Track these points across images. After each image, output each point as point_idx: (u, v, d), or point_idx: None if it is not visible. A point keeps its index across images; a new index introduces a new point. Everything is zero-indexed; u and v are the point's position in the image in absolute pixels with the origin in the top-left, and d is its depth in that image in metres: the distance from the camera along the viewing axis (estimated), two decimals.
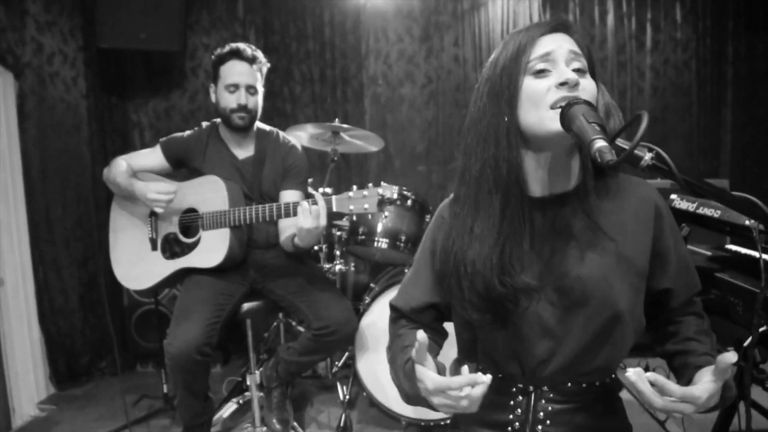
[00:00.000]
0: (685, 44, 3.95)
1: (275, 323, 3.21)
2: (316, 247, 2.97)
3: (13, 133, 3.02)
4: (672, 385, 0.94)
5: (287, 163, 2.40)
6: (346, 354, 3.07)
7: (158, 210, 2.22)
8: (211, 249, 2.21)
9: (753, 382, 1.64)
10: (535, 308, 1.10)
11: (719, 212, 2.20)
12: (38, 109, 3.13)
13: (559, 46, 1.04)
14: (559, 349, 1.10)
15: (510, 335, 1.12)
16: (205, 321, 2.08)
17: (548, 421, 1.14)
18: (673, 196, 2.48)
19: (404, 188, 2.67)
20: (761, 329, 1.66)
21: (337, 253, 2.88)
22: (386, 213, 2.50)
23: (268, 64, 2.42)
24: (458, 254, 1.12)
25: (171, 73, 3.84)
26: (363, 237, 2.62)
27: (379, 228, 2.61)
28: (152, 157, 2.38)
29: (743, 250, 2.04)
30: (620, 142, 0.94)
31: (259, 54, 2.37)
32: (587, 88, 1.03)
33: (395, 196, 2.41)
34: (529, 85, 1.04)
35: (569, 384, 1.13)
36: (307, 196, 2.44)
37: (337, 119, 2.82)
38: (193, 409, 2.21)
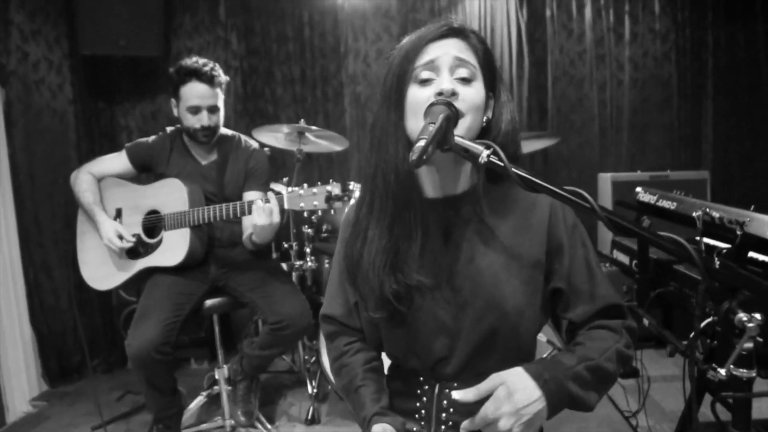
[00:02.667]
0: (664, 35, 3.95)
1: (254, 318, 3.29)
2: (286, 245, 3.05)
3: (0, 140, 3.12)
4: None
5: (249, 166, 2.48)
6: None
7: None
8: (173, 248, 2.29)
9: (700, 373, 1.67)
10: (430, 306, 1.13)
11: (675, 204, 2.23)
12: (25, 116, 3.23)
13: (444, 53, 1.06)
14: (456, 346, 1.14)
15: (408, 332, 1.16)
16: (163, 321, 2.17)
17: (451, 409, 1.18)
18: (638, 189, 2.51)
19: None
20: (707, 320, 1.69)
21: (308, 250, 2.94)
22: (335, 210, 2.56)
23: (227, 78, 2.44)
24: (356, 254, 1.17)
25: (157, 77, 3.92)
26: (326, 234, 2.69)
27: None
28: (118, 162, 2.47)
29: (711, 242, 2.06)
30: (470, 143, 0.98)
31: (218, 71, 2.37)
32: (467, 97, 1.05)
33: (358, 193, 2.46)
34: (413, 93, 1.07)
35: (473, 377, 1.16)
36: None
37: (302, 120, 2.89)
38: (159, 403, 2.30)
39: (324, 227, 2.70)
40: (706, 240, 2.07)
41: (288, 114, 4.00)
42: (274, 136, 3.05)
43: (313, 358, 3.11)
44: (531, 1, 3.93)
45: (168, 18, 3.73)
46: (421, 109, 1.05)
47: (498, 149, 0.94)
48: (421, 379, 1.21)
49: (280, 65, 3.99)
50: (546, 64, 3.97)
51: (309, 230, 2.89)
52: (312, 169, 3.93)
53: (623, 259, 2.75)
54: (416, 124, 1.06)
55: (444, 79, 1.05)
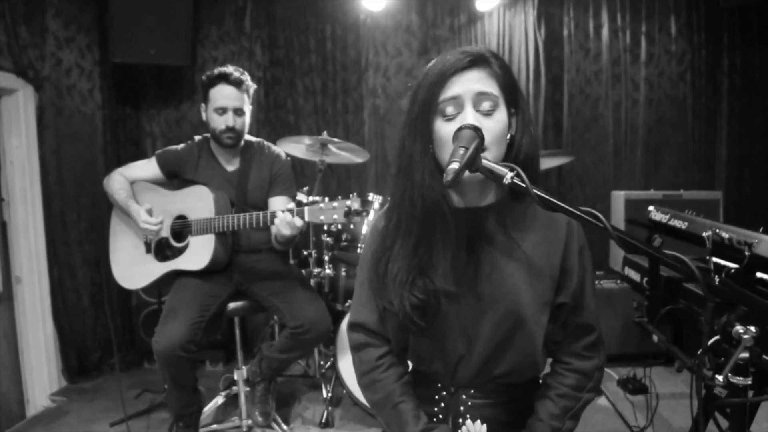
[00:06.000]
0: (680, 57, 4.01)
1: (270, 323, 3.37)
2: (305, 252, 3.13)
3: (32, 142, 3.23)
4: None
5: (273, 171, 2.58)
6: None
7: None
8: (198, 253, 2.39)
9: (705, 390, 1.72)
10: (453, 311, 1.21)
11: (686, 224, 2.29)
12: (56, 120, 3.34)
13: (467, 89, 1.13)
14: (474, 349, 1.21)
15: (433, 336, 1.24)
16: (189, 321, 2.25)
17: (468, 414, 1.26)
18: (650, 208, 2.56)
19: (389, 198, 2.81)
20: (715, 338, 1.74)
21: (326, 258, 3.03)
22: (353, 224, 2.66)
23: (254, 86, 2.56)
24: (381, 269, 1.25)
25: (182, 85, 4.05)
26: (346, 243, 2.77)
27: (362, 235, 2.75)
28: (148, 168, 2.57)
29: (722, 262, 2.10)
30: (495, 165, 1.06)
31: (246, 77, 2.50)
32: (490, 130, 1.12)
33: (375, 205, 2.54)
34: (440, 127, 1.14)
35: (488, 383, 1.24)
36: (296, 200, 2.62)
37: (325, 132, 2.98)
38: (181, 400, 2.38)
39: (344, 236, 2.79)
40: (715, 260, 2.12)
41: (308, 124, 4.10)
42: (296, 147, 3.14)
43: (328, 363, 3.19)
44: (549, 21, 4.02)
45: (195, 29, 3.85)
46: (447, 143, 1.12)
47: (521, 172, 1.01)
48: (440, 385, 1.29)
49: (302, 77, 4.10)
50: (562, 82, 4.04)
51: (328, 239, 2.98)
52: (330, 178, 4.02)
53: (634, 276, 2.79)
54: (443, 155, 1.14)
55: (468, 115, 1.12)
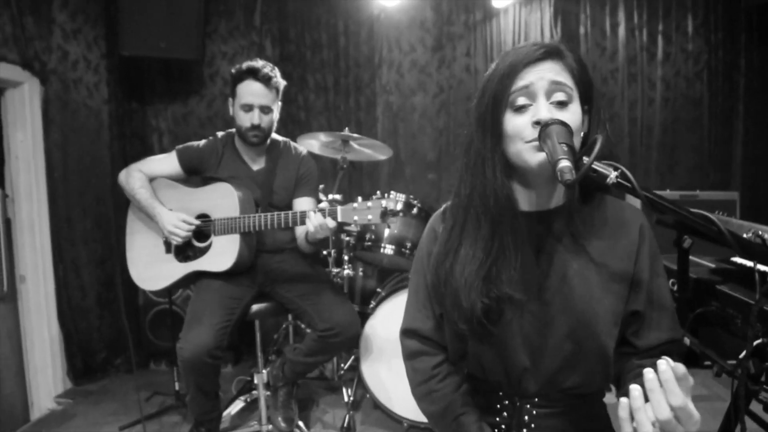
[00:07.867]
0: (697, 56, 3.97)
1: (284, 325, 3.29)
2: (324, 252, 3.05)
3: (37, 137, 3.14)
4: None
5: (300, 173, 2.50)
6: (353, 357, 3.14)
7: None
8: (222, 253, 2.29)
9: (747, 394, 1.67)
10: (518, 320, 1.14)
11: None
12: (62, 114, 3.25)
13: (539, 78, 1.06)
14: (541, 360, 1.14)
15: (495, 344, 1.16)
16: (215, 326, 2.16)
17: (533, 425, 1.19)
18: None
19: (411, 196, 2.74)
20: (757, 341, 1.70)
21: (346, 258, 2.95)
22: (389, 224, 2.58)
23: (284, 82, 2.46)
24: (445, 273, 1.18)
25: (189, 79, 3.95)
26: (369, 243, 2.70)
27: (386, 235, 2.68)
28: (167, 163, 2.47)
29: (748, 263, 2.06)
30: (598, 164, 0.99)
31: (276, 73, 2.39)
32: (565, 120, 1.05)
33: (399, 207, 2.47)
34: (510, 120, 1.08)
35: (555, 393, 1.17)
36: (319, 201, 2.54)
37: (347, 128, 2.90)
38: (204, 406, 2.30)
39: (367, 236, 2.71)
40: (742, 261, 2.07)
41: (320, 121, 4.02)
42: (312, 143, 3.05)
43: (347, 366, 3.12)
44: (565, 19, 3.96)
45: (204, 22, 3.75)
46: (518, 136, 1.06)
47: (626, 171, 0.95)
48: (501, 394, 1.22)
49: (314, 73, 4.02)
50: None
51: (348, 238, 2.90)
52: (345, 176, 3.94)
53: None
54: (515, 147, 1.08)
55: (541, 106, 1.05)
